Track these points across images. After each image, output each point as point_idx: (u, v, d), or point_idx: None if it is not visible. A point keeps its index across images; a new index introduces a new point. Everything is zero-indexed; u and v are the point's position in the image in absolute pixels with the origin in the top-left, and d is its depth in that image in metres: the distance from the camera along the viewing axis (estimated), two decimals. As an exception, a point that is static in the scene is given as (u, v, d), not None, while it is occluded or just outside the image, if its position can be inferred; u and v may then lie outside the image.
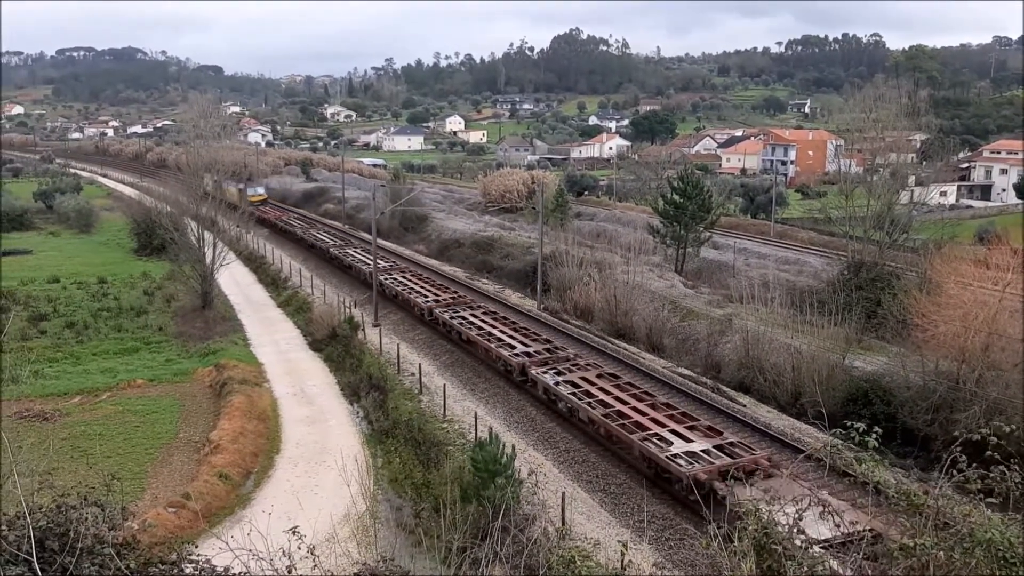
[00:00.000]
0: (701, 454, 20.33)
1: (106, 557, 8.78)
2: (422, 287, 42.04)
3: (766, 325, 30.16)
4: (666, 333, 35.44)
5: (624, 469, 22.55)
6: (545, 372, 27.29)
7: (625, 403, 23.98)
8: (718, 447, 20.79)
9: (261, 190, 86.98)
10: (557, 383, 26.23)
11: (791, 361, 27.81)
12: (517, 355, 29.43)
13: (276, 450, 26.04)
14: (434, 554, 10.72)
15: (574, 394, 25.12)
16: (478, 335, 32.34)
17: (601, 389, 25.25)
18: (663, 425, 22.23)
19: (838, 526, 12.94)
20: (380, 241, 48.33)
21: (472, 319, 34.72)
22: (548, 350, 30.11)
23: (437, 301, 38.50)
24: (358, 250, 54.40)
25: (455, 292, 41.31)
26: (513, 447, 21.52)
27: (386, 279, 43.61)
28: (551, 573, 9.77)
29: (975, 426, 10.44)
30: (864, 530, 15.92)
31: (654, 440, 21.38)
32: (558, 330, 36.38)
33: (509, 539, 11.90)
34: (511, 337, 31.70)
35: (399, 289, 41.76)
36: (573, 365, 28.03)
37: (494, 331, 32.71)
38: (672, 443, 21.09)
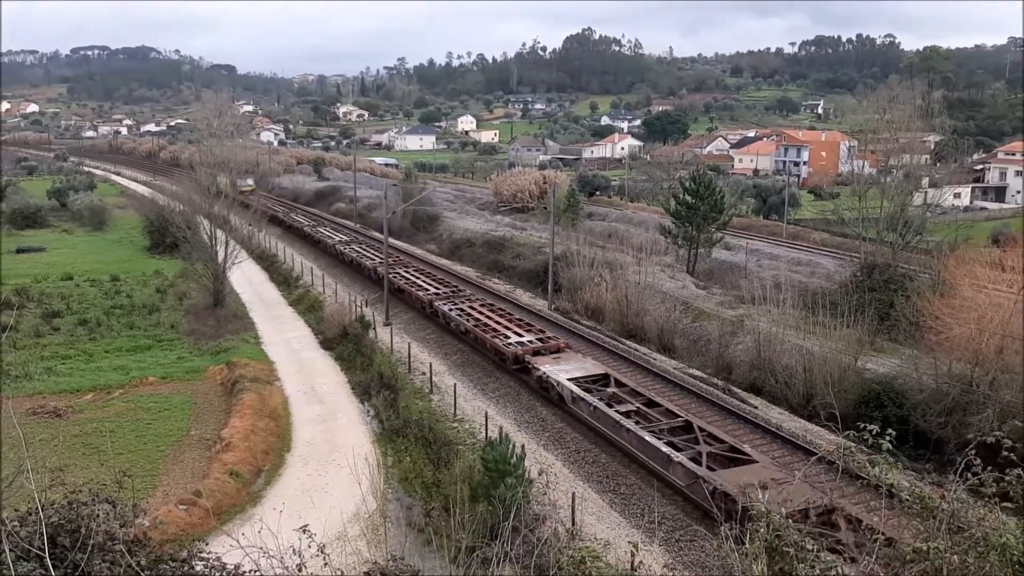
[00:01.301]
0: (526, 343, 30.85)
1: (117, 554, 8.79)
2: (373, 255, 52.56)
3: (778, 326, 30.04)
4: (677, 334, 35.35)
5: (634, 470, 22.53)
6: (444, 304, 37.76)
7: (491, 319, 34.62)
8: (539, 339, 31.40)
9: (250, 182, 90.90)
10: (450, 310, 36.68)
11: (803, 363, 27.67)
12: (428, 294, 40.35)
13: (287, 448, 26.07)
14: (444, 553, 10.73)
15: (459, 315, 35.69)
16: (404, 284, 43.07)
17: (480, 313, 35.82)
18: (509, 330, 32.86)
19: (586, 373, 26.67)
20: (391, 240, 48.55)
21: (404, 274, 45.74)
22: (452, 291, 41.35)
23: (380, 262, 47.21)
24: (328, 229, 65.98)
25: (396, 256, 51.74)
26: (523, 447, 21.50)
27: (345, 249, 55.55)
28: (561, 573, 9.75)
29: (989, 429, 10.36)
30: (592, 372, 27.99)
31: (500, 337, 31.88)
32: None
33: (519, 539, 11.88)
34: (428, 284, 42.95)
35: (353, 255, 53.11)
36: (465, 299, 38.98)
37: (418, 280, 44.03)
38: (510, 338, 31.61)
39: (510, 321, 34.22)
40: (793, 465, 20.92)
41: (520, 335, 31.90)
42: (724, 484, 18.42)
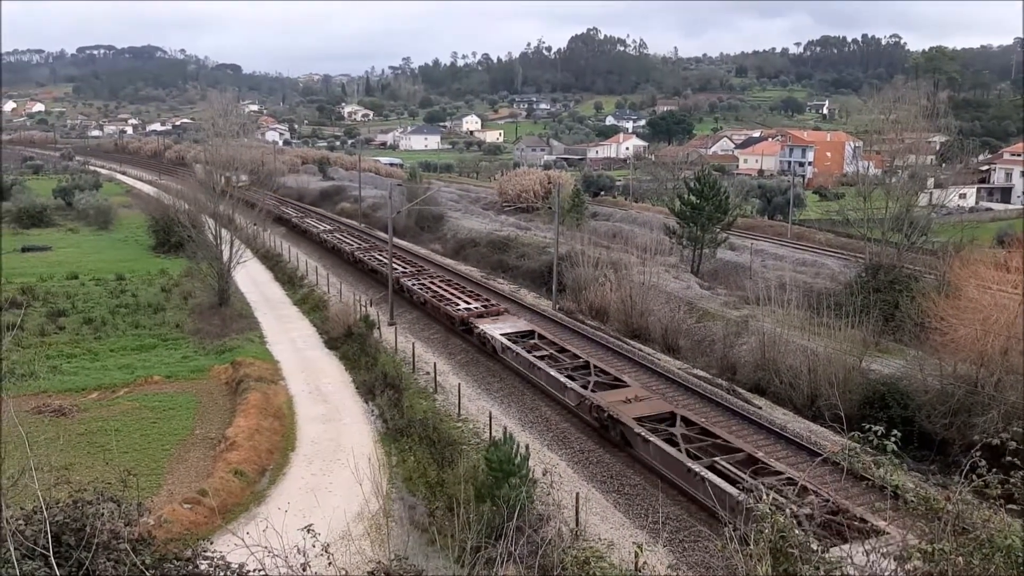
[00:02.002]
0: (472, 308, 36.45)
1: (122, 553, 8.81)
2: (351, 240, 59.19)
3: (783, 327, 29.98)
4: (682, 334, 35.31)
5: (638, 471, 22.52)
6: (409, 280, 43.44)
7: (446, 291, 40.36)
8: (483, 306, 36.94)
9: (244, 177, 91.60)
10: (413, 284, 42.34)
11: (807, 363, 27.63)
12: (396, 272, 44.50)
13: (291, 447, 26.10)
14: (448, 553, 10.71)
15: (420, 289, 41.35)
16: (376, 264, 49.40)
17: (438, 287, 41.61)
18: (460, 299, 38.43)
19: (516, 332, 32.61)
20: (396, 240, 48.67)
21: (378, 256, 51.16)
22: (416, 270, 47.00)
23: (358, 247, 55.69)
24: (313, 220, 72.84)
25: (373, 242, 58.90)
26: (527, 447, 21.49)
27: (328, 237, 62.03)
28: (565, 573, 9.75)
29: (994, 430, 10.34)
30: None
31: (451, 304, 37.41)
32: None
33: (523, 539, 11.89)
34: (397, 264, 46.86)
35: (334, 242, 59.54)
36: (427, 277, 44.92)
37: (382, 259, 48.71)
38: (459, 305, 37.15)
39: (462, 292, 40.34)
40: (655, 387, 27.96)
41: (468, 303, 37.80)
42: (598, 400, 24.60)
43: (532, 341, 31.70)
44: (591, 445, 24.45)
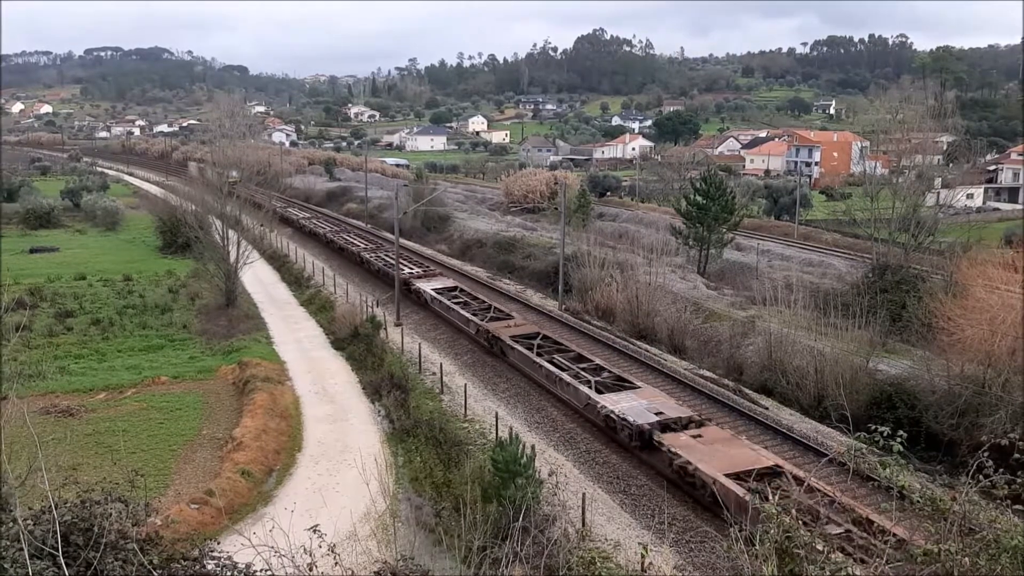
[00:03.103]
0: (413, 272, 46.22)
1: (129, 552, 8.86)
2: (325, 225, 68.09)
3: (789, 327, 29.96)
4: (688, 335, 35.29)
5: (644, 471, 22.52)
6: (369, 255, 52.75)
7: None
8: (422, 270, 47.63)
9: (235, 173, 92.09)
10: (370, 257, 51.78)
11: (814, 364, 27.59)
12: (359, 248, 55.53)
13: (298, 448, 26.14)
14: (454, 553, 10.74)
15: (376, 260, 50.58)
16: (343, 243, 59.07)
17: (391, 258, 48.33)
18: (406, 266, 46.74)
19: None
20: (402, 241, 48.85)
21: (346, 237, 61.74)
22: (375, 246, 56.23)
23: (330, 230, 65.41)
24: (296, 210, 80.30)
25: (345, 226, 68.04)
26: (533, 447, 21.50)
27: (307, 223, 70.63)
28: (571, 574, 9.77)
29: (1001, 431, 10.30)
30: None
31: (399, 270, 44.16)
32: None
33: (529, 539, 11.88)
34: (360, 242, 57.80)
35: (311, 227, 68.44)
36: (383, 251, 53.67)
37: (354, 241, 59.03)
38: (404, 271, 44.89)
39: (408, 261, 49.83)
40: (530, 317, 38.13)
41: (411, 268, 47.75)
42: (487, 326, 33.75)
43: (454, 293, 40.95)
44: (598, 446, 24.46)
